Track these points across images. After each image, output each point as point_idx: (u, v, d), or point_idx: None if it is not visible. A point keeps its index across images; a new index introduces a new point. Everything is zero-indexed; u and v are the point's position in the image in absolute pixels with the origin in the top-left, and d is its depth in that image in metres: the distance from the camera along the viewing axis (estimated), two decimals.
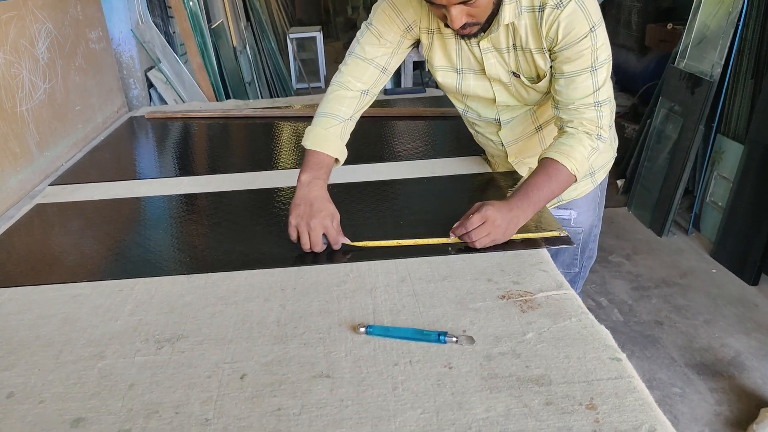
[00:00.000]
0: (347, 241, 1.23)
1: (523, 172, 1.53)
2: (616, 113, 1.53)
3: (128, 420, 0.82)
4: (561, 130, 1.29)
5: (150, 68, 2.74)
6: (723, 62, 2.88)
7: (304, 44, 7.06)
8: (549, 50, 1.23)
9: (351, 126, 1.37)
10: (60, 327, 1.03)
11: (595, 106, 1.24)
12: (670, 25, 4.04)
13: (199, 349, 0.95)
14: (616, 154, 1.56)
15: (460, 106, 1.51)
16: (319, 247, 1.21)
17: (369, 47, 1.36)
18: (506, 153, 1.51)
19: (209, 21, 3.78)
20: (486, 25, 1.23)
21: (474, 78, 1.38)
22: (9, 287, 1.17)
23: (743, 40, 2.84)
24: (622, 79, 4.58)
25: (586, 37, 1.18)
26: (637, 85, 4.25)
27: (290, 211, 1.24)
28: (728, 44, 2.86)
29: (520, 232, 1.24)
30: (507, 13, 1.20)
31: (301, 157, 1.33)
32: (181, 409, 0.83)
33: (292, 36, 6.50)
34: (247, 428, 0.79)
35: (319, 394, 0.85)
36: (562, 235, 1.25)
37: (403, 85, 4.27)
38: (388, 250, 1.22)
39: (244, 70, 4.39)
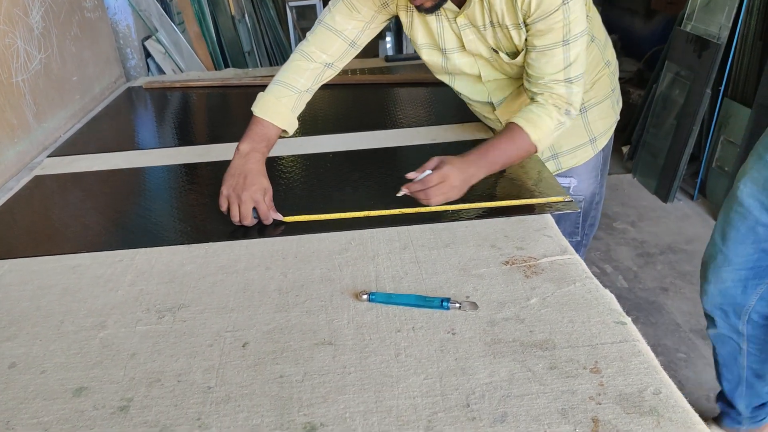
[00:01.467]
0: (279, 217, 1.21)
1: None
2: (621, 79, 1.49)
3: (130, 389, 0.81)
4: (531, 100, 1.26)
5: (147, 38, 2.70)
6: (731, 24, 2.82)
7: (303, 12, 6.94)
8: (524, 23, 1.20)
9: (307, 97, 1.34)
10: (60, 297, 1.03)
11: (565, 82, 1.21)
12: None
13: (200, 318, 0.95)
14: (618, 118, 1.53)
15: (451, 88, 1.47)
16: (249, 220, 1.19)
17: (340, 17, 1.31)
18: None
19: None
20: (456, 1, 1.19)
21: (458, 55, 1.34)
22: (9, 259, 1.16)
23: (751, 2, 2.77)
24: (627, 44, 4.50)
25: (557, 10, 1.13)
26: (643, 50, 4.18)
27: (223, 180, 1.21)
28: (736, 6, 2.80)
29: (523, 197, 1.22)
30: None
31: None
32: (183, 377, 0.83)
33: (291, 4, 6.40)
34: (250, 395, 0.79)
35: (321, 361, 0.84)
36: (566, 200, 1.23)
37: (405, 52, 4.21)
38: (393, 217, 1.20)
39: (243, 39, 4.32)
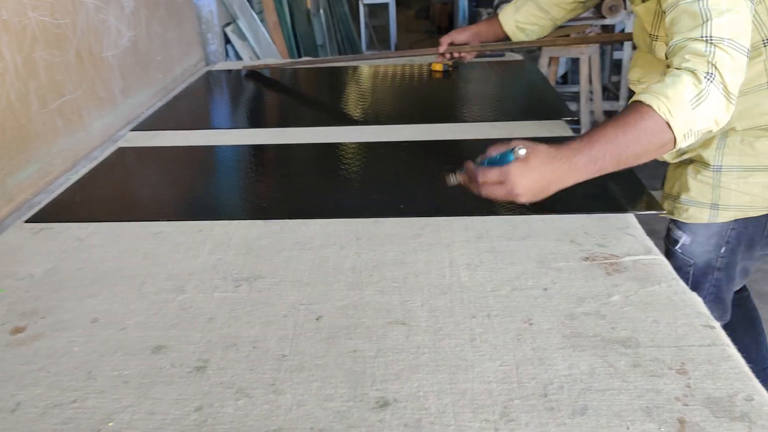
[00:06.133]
0: (445, 58, 1.79)
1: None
2: None
3: (207, 351, 0.83)
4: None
5: (227, 24, 2.77)
6: None
7: (376, 11, 6.99)
8: None
9: (528, 8, 1.57)
10: (142, 261, 1.05)
11: (704, 40, 0.90)
12: None
13: (276, 290, 0.96)
14: None
15: None
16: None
17: None
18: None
19: None
20: None
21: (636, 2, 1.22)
22: (93, 222, 1.20)
23: None
24: None
25: None
26: None
27: None
28: None
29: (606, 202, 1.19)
30: None
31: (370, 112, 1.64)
32: (258, 344, 0.84)
33: (364, 2, 6.45)
34: (323, 366, 0.79)
35: (394, 340, 0.84)
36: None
37: None
38: (466, 207, 1.19)
39: (317, 33, 4.39)
